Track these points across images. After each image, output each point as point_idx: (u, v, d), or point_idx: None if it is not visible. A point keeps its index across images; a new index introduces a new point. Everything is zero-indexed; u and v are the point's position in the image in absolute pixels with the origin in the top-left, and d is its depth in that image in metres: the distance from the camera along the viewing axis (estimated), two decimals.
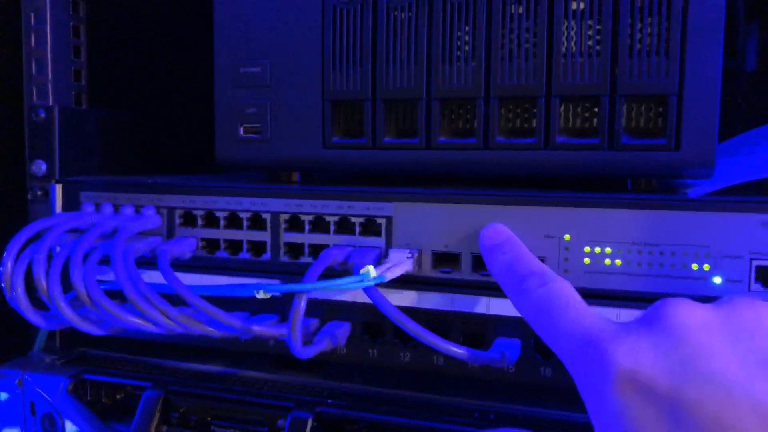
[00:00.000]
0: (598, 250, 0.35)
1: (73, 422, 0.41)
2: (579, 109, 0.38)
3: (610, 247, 0.35)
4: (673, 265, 0.34)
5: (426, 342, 0.33)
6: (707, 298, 0.33)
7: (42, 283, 0.37)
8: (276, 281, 0.40)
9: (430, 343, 0.33)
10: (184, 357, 0.45)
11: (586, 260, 0.35)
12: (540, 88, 0.37)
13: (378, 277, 0.33)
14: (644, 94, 0.36)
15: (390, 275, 0.34)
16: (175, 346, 0.46)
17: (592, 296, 0.35)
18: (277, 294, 0.33)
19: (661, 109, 0.36)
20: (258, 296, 0.33)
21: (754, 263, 0.33)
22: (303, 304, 0.33)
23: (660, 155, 0.36)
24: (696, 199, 0.33)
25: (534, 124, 0.38)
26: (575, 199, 0.35)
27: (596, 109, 0.37)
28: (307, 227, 0.40)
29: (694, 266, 0.33)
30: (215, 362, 0.44)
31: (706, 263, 0.33)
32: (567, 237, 0.35)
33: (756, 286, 0.33)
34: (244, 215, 0.41)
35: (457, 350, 0.33)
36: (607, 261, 0.35)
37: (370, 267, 0.33)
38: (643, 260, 0.34)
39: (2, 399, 0.45)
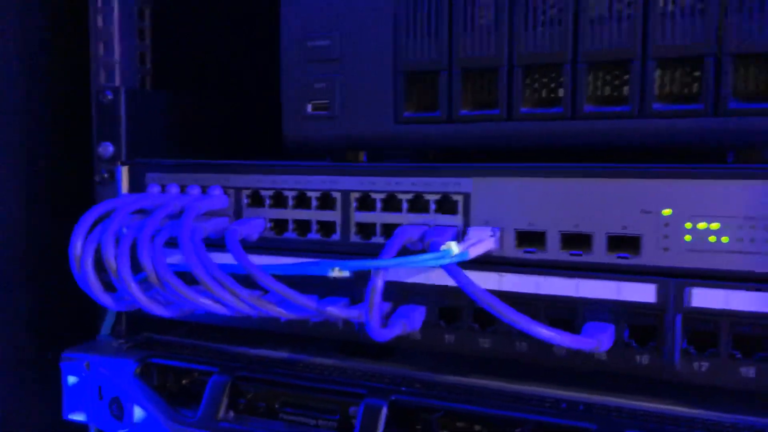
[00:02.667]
0: (702, 225, 0.32)
1: (141, 406, 0.41)
2: (677, 73, 0.34)
3: (717, 222, 0.31)
4: None
5: (512, 323, 0.30)
6: None
7: (111, 263, 0.36)
8: None
9: (518, 324, 0.30)
10: (250, 343, 0.44)
11: (688, 237, 0.32)
12: (634, 50, 0.34)
13: (461, 254, 0.31)
14: (755, 51, 0.32)
15: (473, 252, 0.32)
16: (242, 331, 0.45)
17: (695, 276, 0.32)
18: (354, 271, 0.31)
19: None
20: (333, 274, 0.31)
21: None
22: (381, 282, 0.31)
23: None
24: None
25: (626, 91, 0.35)
26: (676, 170, 0.32)
27: (697, 73, 0.34)
28: (378, 206, 0.38)
29: None
30: (282, 348, 0.43)
31: None
32: (667, 212, 0.32)
33: None
34: (313, 194, 0.40)
35: (549, 333, 0.30)
36: (713, 238, 0.31)
37: (452, 243, 0.31)
38: (757, 236, 0.31)
39: (70, 383, 0.44)
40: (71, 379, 0.44)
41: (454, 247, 0.30)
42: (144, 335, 0.47)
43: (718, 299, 0.31)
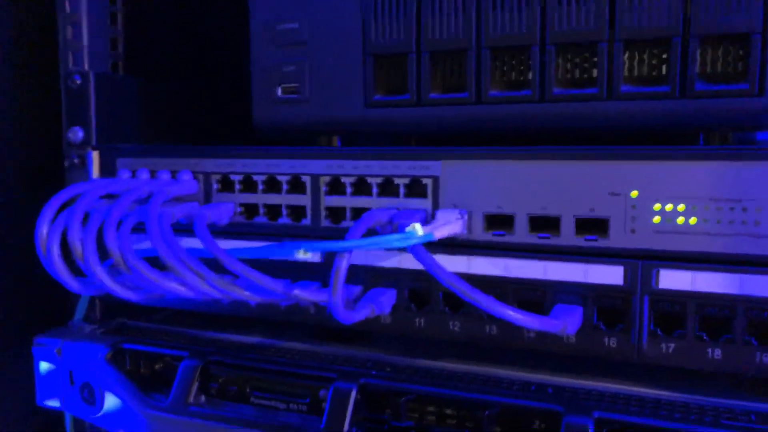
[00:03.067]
0: (669, 207, 0.31)
1: (112, 391, 0.40)
2: (645, 55, 0.34)
3: (684, 203, 0.31)
4: (758, 222, 0.30)
5: (480, 305, 0.30)
6: None
7: (77, 247, 0.36)
8: None
9: (485, 307, 0.30)
10: (222, 328, 0.44)
11: (656, 219, 0.32)
12: (602, 32, 0.34)
13: (425, 236, 0.31)
14: (722, 33, 0.32)
15: (438, 234, 0.32)
16: (214, 317, 0.45)
17: (663, 258, 0.32)
18: (318, 252, 0.31)
19: (741, 51, 0.32)
20: (299, 256, 0.31)
21: None
22: (345, 264, 0.31)
23: (741, 102, 0.32)
24: None
25: (595, 73, 0.35)
26: (643, 152, 0.32)
27: (665, 55, 0.34)
28: (348, 190, 0.38)
29: None
30: (254, 334, 0.42)
31: None
32: (634, 194, 0.32)
33: None
34: (282, 179, 0.39)
35: (515, 315, 0.30)
36: (680, 219, 0.31)
37: (417, 224, 0.30)
38: (723, 217, 0.31)
39: (42, 370, 0.44)
40: (43, 365, 0.43)
41: (418, 229, 0.30)
42: (117, 321, 0.46)
43: (686, 281, 0.31)
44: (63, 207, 0.38)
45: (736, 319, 0.31)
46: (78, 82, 0.44)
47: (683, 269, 0.31)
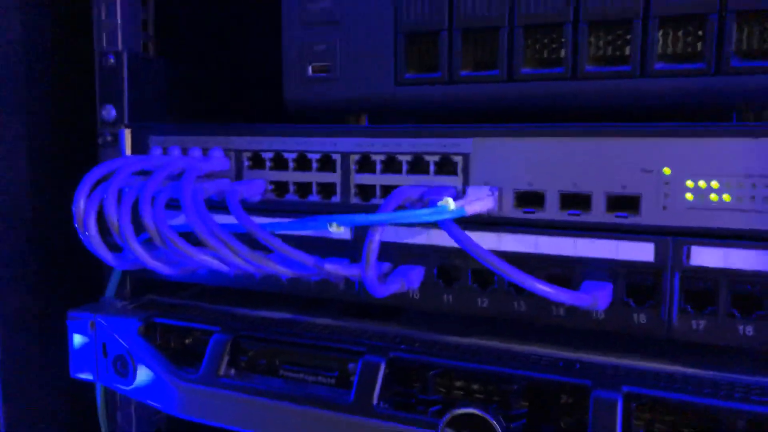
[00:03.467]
0: (702, 184, 0.31)
1: (144, 364, 0.41)
2: (680, 32, 0.34)
3: (717, 180, 0.31)
4: None
5: (511, 279, 0.31)
6: None
7: (113, 221, 0.37)
8: None
9: (516, 280, 0.30)
10: (252, 305, 0.44)
11: (689, 196, 0.32)
12: (636, 9, 0.34)
13: (457, 210, 0.31)
14: (758, 9, 0.32)
15: (470, 209, 0.32)
16: (243, 295, 0.45)
17: (696, 235, 0.32)
18: (351, 226, 0.32)
19: None
20: (331, 229, 0.32)
21: None
22: (377, 237, 0.31)
23: None
24: None
25: (629, 51, 0.34)
26: (676, 129, 0.32)
27: (700, 31, 0.33)
28: (378, 167, 0.38)
29: None
30: (284, 310, 0.43)
31: None
32: (667, 171, 0.32)
33: None
34: (313, 156, 0.40)
35: (546, 288, 0.30)
36: (713, 196, 0.31)
37: (449, 199, 0.31)
38: (757, 194, 0.30)
39: (76, 342, 0.45)
40: (77, 338, 0.44)
41: (451, 203, 0.31)
42: (148, 297, 0.47)
43: (717, 258, 0.31)
44: (98, 183, 0.39)
45: None
46: (111, 61, 0.45)
47: (715, 246, 0.31)
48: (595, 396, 0.31)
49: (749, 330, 0.31)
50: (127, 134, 0.45)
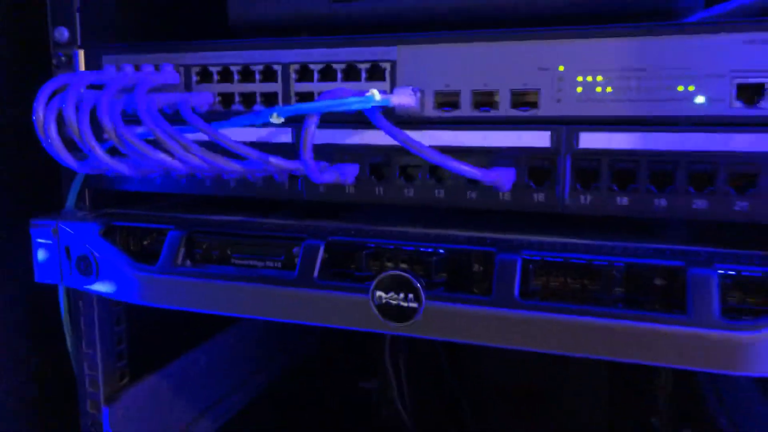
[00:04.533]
0: (590, 78, 0.37)
1: (107, 261, 0.45)
2: None
3: (601, 75, 0.37)
4: (660, 88, 0.36)
5: (431, 159, 0.36)
6: (690, 118, 0.36)
7: (73, 124, 0.40)
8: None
9: (436, 161, 0.36)
10: (204, 211, 0.49)
11: (579, 89, 0.37)
12: None
13: (383, 100, 0.36)
14: None
15: (394, 101, 0.37)
16: (195, 202, 0.49)
17: (585, 123, 0.37)
18: (289, 114, 0.36)
19: None
20: (272, 120, 0.36)
21: (735, 81, 0.35)
22: (314, 124, 0.36)
23: None
24: (679, 23, 0.35)
25: None
26: (567, 32, 0.37)
27: None
28: (316, 76, 0.42)
29: (680, 88, 0.36)
30: (233, 214, 0.47)
31: (691, 84, 0.35)
32: (561, 68, 0.37)
33: (737, 104, 0.35)
34: (256, 68, 0.44)
35: (461, 166, 0.36)
36: (599, 88, 0.37)
37: (375, 90, 0.36)
38: (632, 86, 0.36)
39: (39, 250, 0.48)
40: (40, 244, 0.48)
41: (376, 94, 0.35)
42: (105, 210, 0.51)
43: (602, 141, 0.37)
44: (54, 95, 0.42)
45: (640, 170, 0.37)
46: None
47: (600, 131, 0.37)
48: (499, 259, 0.37)
49: (624, 201, 0.37)
50: (81, 54, 0.48)
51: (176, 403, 0.63)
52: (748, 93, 0.34)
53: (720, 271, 0.34)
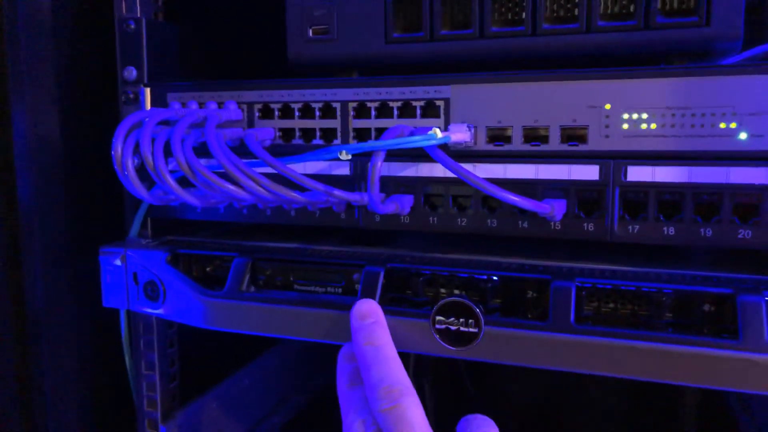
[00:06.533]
0: (635, 116, 0.40)
1: (174, 287, 0.48)
2: None
3: (646, 112, 0.39)
4: (703, 125, 0.38)
5: (485, 190, 0.38)
6: (734, 152, 0.38)
7: (149, 159, 0.43)
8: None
9: (489, 191, 0.38)
10: (265, 239, 0.51)
11: (625, 126, 0.40)
12: None
13: (444, 138, 0.38)
14: None
15: (453, 137, 0.39)
16: (255, 230, 0.52)
17: (630, 157, 0.40)
18: (358, 152, 0.39)
19: None
20: (341, 157, 0.39)
21: None
22: (380, 161, 0.39)
23: (692, 32, 0.40)
24: (721, 65, 0.38)
25: (577, 12, 0.42)
26: (613, 72, 0.40)
27: None
28: (373, 113, 0.45)
29: (723, 125, 0.38)
30: (293, 241, 0.50)
31: (733, 122, 0.38)
32: (608, 106, 0.40)
33: None
34: (316, 105, 0.47)
35: (514, 197, 0.38)
36: (644, 125, 0.39)
37: (437, 129, 0.38)
38: (676, 122, 0.39)
39: (108, 276, 0.51)
40: (109, 271, 0.51)
41: (438, 132, 0.38)
42: (168, 237, 0.54)
43: (647, 174, 0.40)
44: (129, 131, 0.45)
45: (685, 202, 0.39)
46: (132, 26, 0.51)
47: (646, 165, 0.40)
48: (555, 286, 0.39)
49: (671, 230, 0.39)
50: (147, 92, 0.51)
51: (224, 423, 0.65)
52: None
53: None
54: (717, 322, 0.38)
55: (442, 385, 1.01)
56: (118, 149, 0.44)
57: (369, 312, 0.41)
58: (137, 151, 0.44)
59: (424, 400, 1.08)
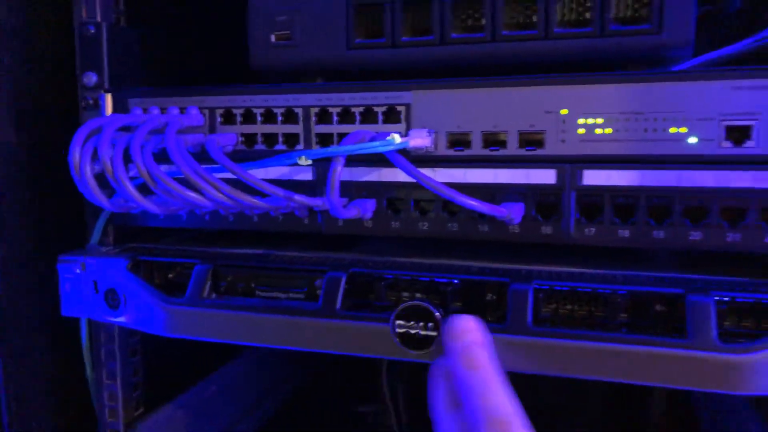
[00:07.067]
0: (590, 121, 0.40)
1: (135, 295, 0.47)
2: (574, 4, 0.43)
3: (601, 117, 0.40)
4: (656, 130, 0.39)
5: (444, 195, 0.39)
6: (684, 156, 0.39)
7: (108, 165, 0.42)
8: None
9: (448, 196, 0.39)
10: (229, 245, 0.51)
11: (581, 131, 0.41)
12: None
13: (402, 143, 0.39)
14: None
15: (412, 143, 0.40)
16: (218, 236, 0.52)
17: (586, 161, 0.41)
18: (317, 157, 0.39)
19: None
20: (300, 162, 0.39)
21: (724, 124, 0.38)
22: (340, 166, 0.39)
23: (645, 39, 0.41)
24: (672, 71, 0.39)
25: (535, 18, 0.43)
26: (569, 78, 0.40)
27: (588, 4, 0.42)
28: (335, 119, 0.45)
29: (673, 130, 0.39)
30: (255, 246, 0.50)
31: (683, 126, 0.39)
32: (564, 111, 0.41)
33: (726, 144, 0.38)
34: (278, 111, 0.47)
35: (473, 202, 0.39)
36: (599, 130, 0.40)
37: (395, 135, 0.39)
38: (629, 127, 0.40)
39: (67, 285, 0.50)
40: (68, 279, 0.50)
41: (396, 137, 0.38)
42: (129, 245, 0.53)
43: (603, 178, 0.40)
44: (88, 137, 0.44)
45: (640, 205, 0.40)
46: (92, 31, 0.51)
47: (601, 169, 0.40)
48: (513, 289, 0.40)
49: (626, 233, 0.40)
50: (108, 98, 0.51)
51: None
52: (736, 134, 0.38)
53: (716, 298, 0.37)
54: (669, 322, 0.38)
55: (416, 389, 1.02)
56: (75, 156, 0.43)
57: (464, 330, 0.36)
58: (97, 157, 0.43)
59: (397, 404, 1.08)
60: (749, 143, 0.38)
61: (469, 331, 0.36)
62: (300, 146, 0.46)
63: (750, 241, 0.38)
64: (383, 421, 1.04)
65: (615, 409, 0.91)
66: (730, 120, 0.38)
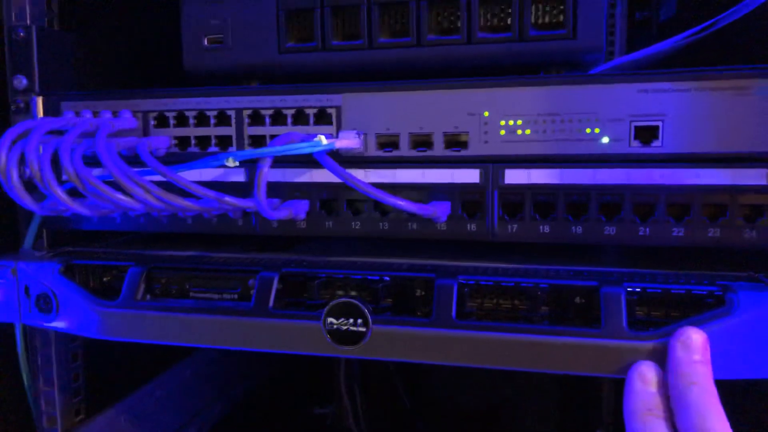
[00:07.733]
0: (511, 122, 0.42)
1: (68, 298, 0.47)
2: (495, 10, 0.45)
3: (521, 119, 0.42)
4: (571, 130, 0.41)
5: (372, 195, 0.40)
6: (597, 156, 0.41)
7: (35, 168, 0.42)
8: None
9: (376, 197, 0.40)
10: (165, 247, 0.51)
11: (502, 132, 0.42)
12: None
13: (329, 144, 0.40)
14: None
15: (339, 144, 0.41)
16: (152, 239, 0.52)
17: (507, 161, 0.42)
18: (244, 158, 0.40)
19: (561, 6, 0.43)
20: (228, 164, 0.39)
21: (633, 124, 0.40)
22: (267, 167, 0.39)
23: (561, 44, 0.43)
24: (584, 75, 0.41)
25: (459, 23, 0.45)
26: (491, 81, 0.42)
27: (509, 9, 0.44)
28: (267, 121, 0.46)
29: (588, 130, 0.41)
30: (190, 249, 0.50)
31: (596, 127, 0.41)
32: (486, 113, 0.42)
33: (635, 143, 0.40)
34: (210, 113, 0.47)
35: (400, 202, 0.40)
36: (519, 131, 0.42)
37: (322, 136, 0.39)
38: (547, 128, 0.42)
39: None
40: None
41: (323, 138, 0.39)
42: (63, 249, 0.53)
43: (523, 176, 0.42)
44: (16, 140, 0.44)
45: (558, 202, 0.42)
46: (21, 34, 0.50)
47: (521, 168, 0.42)
48: (438, 284, 0.41)
49: (546, 228, 0.42)
50: (39, 101, 0.50)
51: None
52: (644, 134, 0.40)
53: (628, 289, 0.39)
54: (586, 313, 0.40)
55: (372, 388, 1.03)
56: (1, 159, 0.43)
57: (696, 344, 0.36)
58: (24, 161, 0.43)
59: (355, 404, 1.09)
60: (656, 143, 0.40)
61: (702, 348, 0.36)
62: (233, 148, 0.47)
63: (659, 236, 0.40)
64: (341, 422, 1.05)
65: (567, 402, 0.94)
66: (638, 121, 0.40)
